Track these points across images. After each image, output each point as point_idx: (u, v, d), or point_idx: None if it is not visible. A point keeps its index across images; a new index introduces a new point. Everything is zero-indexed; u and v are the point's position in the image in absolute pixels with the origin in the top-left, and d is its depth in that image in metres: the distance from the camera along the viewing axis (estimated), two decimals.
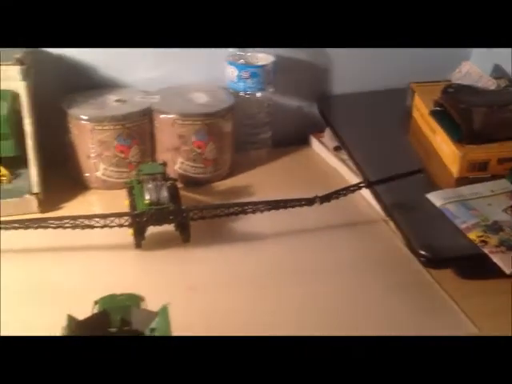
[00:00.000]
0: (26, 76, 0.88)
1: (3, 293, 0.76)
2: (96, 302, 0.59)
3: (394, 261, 0.84)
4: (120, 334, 0.56)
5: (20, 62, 0.87)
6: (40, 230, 0.81)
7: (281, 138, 1.15)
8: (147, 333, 0.55)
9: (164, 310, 0.56)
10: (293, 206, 0.84)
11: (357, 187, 0.89)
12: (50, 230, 0.81)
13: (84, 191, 1.01)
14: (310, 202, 0.84)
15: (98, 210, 0.97)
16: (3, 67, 0.92)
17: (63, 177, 1.01)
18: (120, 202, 0.94)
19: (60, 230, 0.81)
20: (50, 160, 0.97)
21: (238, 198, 0.99)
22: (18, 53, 0.91)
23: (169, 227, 0.86)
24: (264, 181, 1.06)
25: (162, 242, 0.86)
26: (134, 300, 0.59)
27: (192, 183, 1.02)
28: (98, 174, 0.99)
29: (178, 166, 1.01)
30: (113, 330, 0.56)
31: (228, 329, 0.71)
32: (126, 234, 0.84)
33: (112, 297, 0.59)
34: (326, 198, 0.85)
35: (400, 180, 0.88)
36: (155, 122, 1.00)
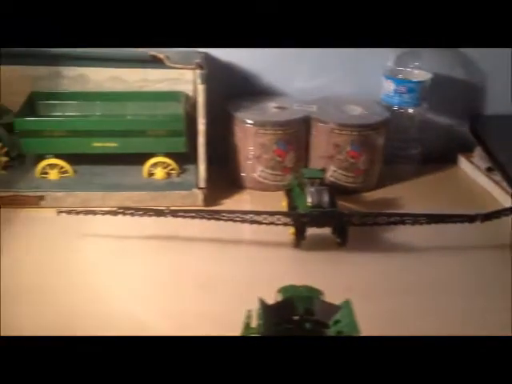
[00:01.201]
0: (204, 80, 0.95)
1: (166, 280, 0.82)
2: (279, 291, 0.63)
3: None
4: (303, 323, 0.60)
5: (200, 66, 0.95)
6: (197, 223, 0.87)
7: (428, 154, 1.16)
8: (331, 324, 0.59)
9: (347, 304, 0.59)
10: (453, 222, 0.85)
11: None
12: (206, 222, 0.87)
13: (239, 190, 1.07)
14: (471, 219, 0.85)
15: (252, 209, 1.02)
16: (183, 71, 1.01)
17: (221, 175, 1.08)
18: (272, 203, 1.00)
19: (216, 223, 0.87)
20: (210, 158, 1.04)
21: (385, 209, 1.01)
22: (195, 57, 0.99)
23: (323, 230, 0.89)
24: (410, 195, 1.08)
25: (318, 244, 0.90)
26: (314, 292, 0.63)
27: (341, 191, 1.04)
28: (255, 175, 1.05)
29: (330, 173, 1.05)
30: (296, 318, 0.60)
31: (383, 331, 0.73)
32: (277, 233, 0.88)
33: (293, 287, 0.63)
34: (488, 217, 0.85)
35: None
36: (312, 130, 1.05)
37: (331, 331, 0.58)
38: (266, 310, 0.59)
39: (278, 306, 0.60)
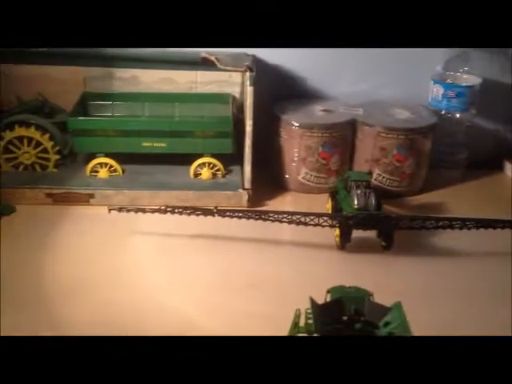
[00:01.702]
0: (253, 82, 0.96)
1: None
2: (328, 291, 0.63)
3: None
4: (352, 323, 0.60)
5: (250, 69, 0.96)
6: (242, 223, 0.88)
7: (475, 159, 1.15)
8: (381, 325, 0.59)
9: (398, 306, 0.59)
10: (502, 227, 0.84)
11: None
12: (250, 222, 0.88)
13: (282, 192, 1.08)
14: None
15: (296, 210, 1.03)
16: (231, 73, 1.02)
17: (265, 176, 1.08)
18: (315, 205, 1.00)
19: (260, 224, 0.88)
20: (254, 159, 1.04)
21: (430, 214, 1.00)
22: (245, 60, 1.00)
23: (368, 234, 0.89)
24: (455, 201, 1.07)
25: (362, 247, 0.90)
26: (364, 293, 0.63)
27: (385, 195, 1.04)
28: (299, 177, 1.06)
29: (374, 177, 1.04)
30: (345, 318, 0.61)
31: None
32: (322, 235, 0.88)
33: (343, 287, 0.64)
34: None
35: None
36: (358, 133, 1.05)
37: (381, 332, 0.58)
38: (317, 309, 0.59)
39: (327, 305, 0.61)
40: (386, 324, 0.59)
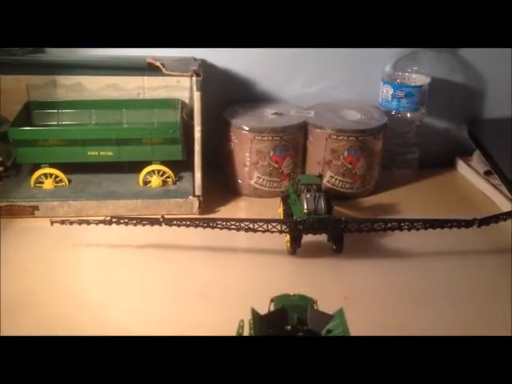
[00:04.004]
0: (200, 87, 0.94)
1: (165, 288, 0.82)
2: (272, 300, 0.62)
3: None
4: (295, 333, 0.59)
5: (197, 73, 0.94)
6: (192, 231, 0.86)
7: (427, 158, 1.15)
8: (323, 334, 0.58)
9: (340, 313, 0.58)
10: (450, 227, 0.84)
11: None
12: (201, 230, 0.85)
13: (235, 197, 1.07)
14: (468, 223, 0.84)
15: (248, 216, 1.01)
16: (180, 78, 1.01)
17: (217, 182, 1.07)
18: (269, 209, 0.99)
19: (211, 231, 0.85)
20: (206, 165, 1.02)
21: (382, 215, 1.00)
22: (192, 64, 0.99)
23: (319, 237, 0.88)
24: (408, 201, 1.07)
25: (313, 251, 0.89)
26: (308, 301, 0.62)
27: (338, 197, 1.04)
28: (252, 181, 1.05)
29: (326, 179, 1.04)
30: (288, 327, 0.60)
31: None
32: (273, 240, 0.87)
33: (286, 296, 0.63)
34: (486, 222, 0.84)
35: None
36: (309, 136, 1.04)
37: None
38: (259, 319, 0.58)
39: (270, 315, 0.60)
40: (328, 332, 0.58)
